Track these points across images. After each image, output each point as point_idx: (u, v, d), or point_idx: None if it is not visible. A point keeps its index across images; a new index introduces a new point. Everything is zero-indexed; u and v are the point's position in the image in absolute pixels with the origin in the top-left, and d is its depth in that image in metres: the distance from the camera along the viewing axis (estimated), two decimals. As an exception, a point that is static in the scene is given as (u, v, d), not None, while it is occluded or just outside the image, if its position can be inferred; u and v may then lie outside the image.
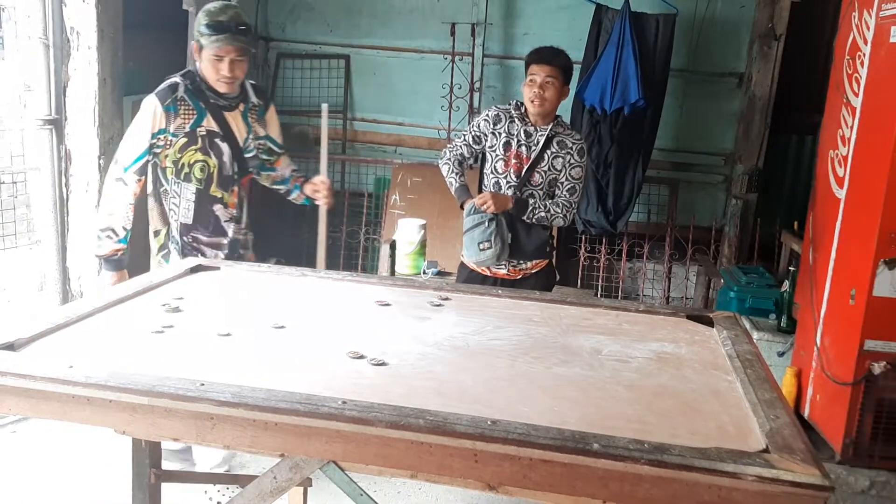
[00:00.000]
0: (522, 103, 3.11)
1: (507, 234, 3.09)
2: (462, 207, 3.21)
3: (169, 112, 2.81)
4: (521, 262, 3.16)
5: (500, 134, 3.11)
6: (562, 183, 3.11)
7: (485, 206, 3.05)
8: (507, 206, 3.06)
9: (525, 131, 3.08)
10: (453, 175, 3.22)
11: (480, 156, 3.25)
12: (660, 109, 5.06)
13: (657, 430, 1.57)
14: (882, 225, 3.09)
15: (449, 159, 3.25)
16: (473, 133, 3.19)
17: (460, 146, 3.23)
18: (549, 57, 3.03)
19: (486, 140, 3.15)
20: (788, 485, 1.38)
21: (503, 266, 3.16)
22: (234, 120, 2.96)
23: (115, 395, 1.59)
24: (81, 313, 2.05)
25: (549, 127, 3.07)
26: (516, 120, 3.09)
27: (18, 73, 3.96)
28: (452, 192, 3.24)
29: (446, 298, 2.47)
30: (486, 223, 3.06)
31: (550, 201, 3.10)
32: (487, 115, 3.16)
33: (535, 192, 3.10)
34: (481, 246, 3.08)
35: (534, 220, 3.10)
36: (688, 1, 5.19)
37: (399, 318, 2.25)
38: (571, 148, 3.09)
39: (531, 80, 3.03)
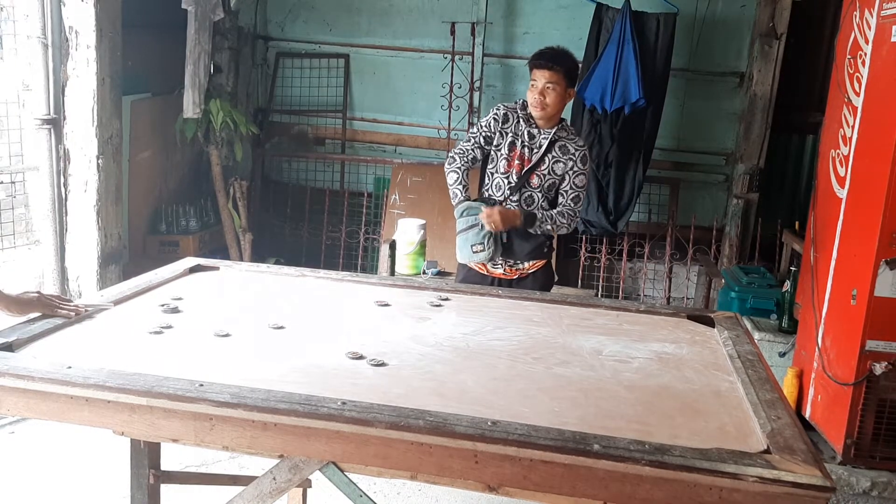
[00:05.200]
0: (527, 103, 3.08)
1: (503, 235, 3.05)
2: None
3: None
4: (518, 262, 3.14)
5: (506, 133, 3.08)
6: (565, 191, 3.08)
7: (492, 225, 2.99)
8: (515, 223, 3.02)
9: (529, 133, 3.05)
10: (459, 187, 3.13)
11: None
12: (660, 109, 5.06)
13: (658, 431, 1.56)
14: (883, 225, 3.08)
15: (459, 167, 3.14)
16: (484, 133, 3.12)
17: (471, 150, 3.14)
18: (551, 62, 2.97)
19: (494, 139, 3.11)
20: (789, 485, 1.37)
21: (500, 266, 3.15)
22: None
23: (113, 396, 1.59)
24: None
25: (553, 130, 3.05)
26: (522, 120, 3.06)
27: (17, 73, 3.96)
28: (454, 203, 3.16)
29: (446, 299, 2.46)
30: (481, 226, 3.04)
31: (556, 211, 3.08)
32: (496, 113, 3.10)
33: (534, 195, 3.08)
34: (475, 248, 3.05)
35: (539, 232, 3.08)
36: (688, 0, 5.19)
37: (399, 318, 2.24)
38: (574, 154, 3.06)
39: (532, 85, 2.99)
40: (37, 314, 1.96)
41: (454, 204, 3.15)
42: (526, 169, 3.05)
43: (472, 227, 3.06)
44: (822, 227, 3.61)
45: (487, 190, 3.14)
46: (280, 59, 5.91)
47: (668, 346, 2.12)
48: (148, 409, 1.59)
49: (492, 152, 3.12)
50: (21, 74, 3.94)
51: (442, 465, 1.50)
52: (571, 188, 3.08)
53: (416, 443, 1.49)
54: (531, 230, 3.06)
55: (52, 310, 1.98)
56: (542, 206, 3.10)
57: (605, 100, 4.81)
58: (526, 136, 3.05)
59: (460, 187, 3.14)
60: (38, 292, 2.00)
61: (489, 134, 3.11)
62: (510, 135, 3.07)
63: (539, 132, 3.05)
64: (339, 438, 1.53)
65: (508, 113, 3.08)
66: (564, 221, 3.07)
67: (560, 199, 3.10)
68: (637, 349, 2.07)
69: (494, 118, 3.10)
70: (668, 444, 1.46)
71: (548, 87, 2.96)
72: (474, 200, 3.13)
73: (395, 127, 5.85)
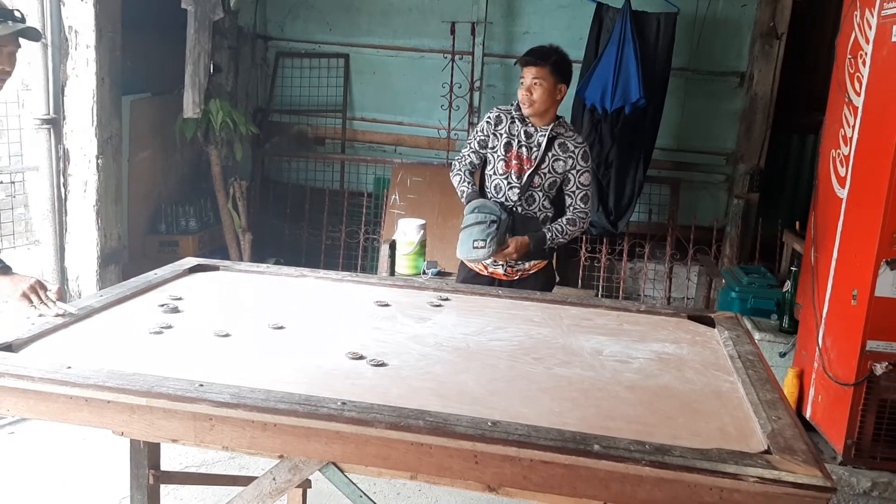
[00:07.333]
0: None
1: (506, 237, 3.05)
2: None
3: None
4: (519, 262, 3.14)
5: (501, 135, 3.08)
6: (573, 192, 3.08)
7: (510, 258, 3.05)
8: (528, 251, 3.06)
9: (525, 132, 3.05)
10: (464, 185, 3.19)
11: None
12: (661, 109, 5.05)
13: (658, 432, 1.56)
14: (884, 225, 3.08)
15: (459, 171, 3.22)
16: (478, 138, 3.16)
17: (468, 155, 3.20)
18: (535, 59, 2.98)
19: (489, 142, 3.12)
20: (790, 486, 1.37)
21: (500, 266, 3.14)
22: None
23: (113, 396, 1.58)
24: (80, 314, 2.04)
25: (550, 127, 3.04)
26: (517, 121, 3.06)
27: (17, 73, 3.96)
28: (463, 200, 3.18)
29: (446, 299, 2.46)
30: (487, 224, 3.03)
31: (565, 220, 3.08)
32: (489, 117, 3.13)
33: (535, 194, 3.08)
34: (476, 244, 3.04)
35: (554, 245, 3.11)
36: (689, 0, 5.18)
37: (399, 318, 2.24)
38: (574, 152, 3.05)
39: (521, 83, 3.02)
40: (34, 312, 1.96)
41: (464, 201, 3.16)
42: (531, 170, 3.04)
43: (478, 223, 3.05)
44: (823, 227, 3.61)
45: (488, 192, 3.14)
46: (280, 59, 5.91)
47: (668, 346, 2.12)
48: (148, 410, 1.58)
49: (488, 155, 3.13)
50: (21, 74, 3.94)
51: (442, 466, 1.50)
52: (578, 188, 3.07)
53: (416, 443, 1.49)
54: (545, 248, 3.09)
55: (32, 302, 1.98)
56: (543, 205, 3.09)
57: (606, 100, 4.81)
58: (523, 136, 3.05)
59: (465, 185, 3.19)
60: (37, 279, 2.01)
61: (483, 138, 3.14)
62: (504, 136, 3.07)
63: (536, 130, 3.05)
64: (339, 439, 1.52)
65: (501, 115, 3.10)
66: (574, 229, 3.09)
67: (568, 201, 3.10)
68: (637, 349, 2.07)
69: (487, 122, 3.13)
70: (669, 445, 1.46)
71: (534, 83, 2.97)
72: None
73: (395, 127, 5.85)
